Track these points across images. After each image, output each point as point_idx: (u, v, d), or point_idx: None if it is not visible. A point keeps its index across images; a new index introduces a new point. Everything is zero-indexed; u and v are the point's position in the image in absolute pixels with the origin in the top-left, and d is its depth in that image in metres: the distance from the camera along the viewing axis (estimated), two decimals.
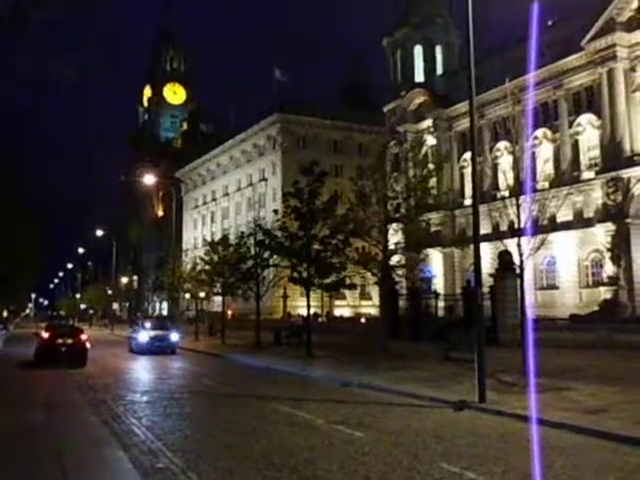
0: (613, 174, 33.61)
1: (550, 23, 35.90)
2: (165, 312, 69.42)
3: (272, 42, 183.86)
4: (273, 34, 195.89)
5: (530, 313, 12.48)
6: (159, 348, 20.99)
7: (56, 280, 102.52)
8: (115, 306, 72.94)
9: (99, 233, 54.24)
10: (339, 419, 8.32)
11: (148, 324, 23.73)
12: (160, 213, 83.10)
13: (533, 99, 30.68)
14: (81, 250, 66.74)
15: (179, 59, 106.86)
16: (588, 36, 35.04)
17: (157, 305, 79.70)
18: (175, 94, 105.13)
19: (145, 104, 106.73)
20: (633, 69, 33.74)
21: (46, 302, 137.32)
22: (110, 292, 67.50)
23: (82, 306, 78.77)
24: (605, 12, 33.98)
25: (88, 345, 17.39)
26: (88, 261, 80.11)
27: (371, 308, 48.29)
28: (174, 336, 22.31)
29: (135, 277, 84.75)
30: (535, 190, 11.40)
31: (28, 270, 30.42)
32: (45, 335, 17.01)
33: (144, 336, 21.83)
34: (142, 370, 16.44)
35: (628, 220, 32.70)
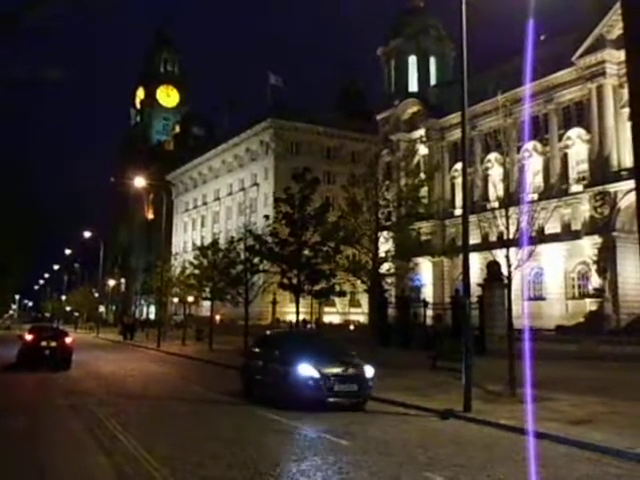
0: (600, 188, 34.20)
1: (542, 38, 36.59)
2: (152, 316, 68.73)
3: (267, 47, 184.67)
4: (269, 40, 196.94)
5: (517, 324, 12.58)
6: (345, 397, 9.77)
7: (41, 281, 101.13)
8: (101, 309, 72.04)
9: (87, 235, 53.69)
10: (326, 427, 8.28)
11: (307, 351, 10.24)
12: (150, 216, 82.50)
13: (524, 112, 31.14)
14: (68, 251, 66.00)
15: (173, 62, 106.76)
16: (578, 52, 35.78)
17: (144, 309, 78.88)
18: (168, 97, 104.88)
19: (137, 106, 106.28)
20: (622, 85, 34.46)
21: (31, 304, 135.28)
22: (97, 295, 66.70)
23: (68, 308, 77.68)
24: (595, 29, 34.74)
25: (73, 348, 17.13)
26: (75, 263, 79.19)
27: (360, 315, 48.27)
28: (369, 372, 10.09)
29: (123, 280, 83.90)
30: (525, 202, 11.54)
31: (12, 271, 29.92)
32: (28, 337, 16.69)
33: (309, 375, 9.64)
34: (127, 375, 16.23)
35: (614, 233, 33.23)
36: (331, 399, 9.50)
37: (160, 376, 16.12)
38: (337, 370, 9.67)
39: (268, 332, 14.65)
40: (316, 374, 9.45)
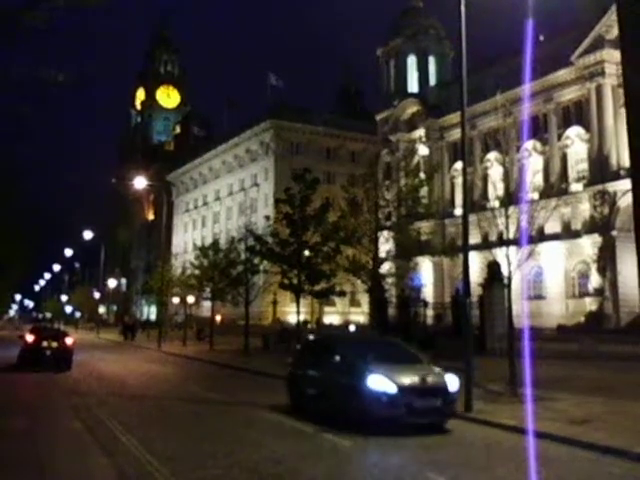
0: (600, 187, 34.21)
1: (541, 38, 36.60)
2: (153, 317, 68.75)
3: (267, 48, 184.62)
4: (269, 40, 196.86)
5: (518, 323, 12.58)
6: (426, 416, 8.08)
7: (42, 282, 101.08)
8: (102, 309, 72.03)
9: (87, 235, 53.68)
10: (327, 427, 8.29)
11: (374, 359, 8.64)
12: (150, 216, 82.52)
13: (524, 112, 31.17)
14: (68, 252, 65.94)
15: (173, 62, 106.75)
16: (577, 52, 35.79)
17: (145, 309, 78.90)
18: (168, 97, 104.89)
19: (138, 107, 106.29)
20: (621, 85, 34.41)
21: (31, 304, 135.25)
22: (97, 295, 66.71)
23: (68, 309, 77.69)
24: (594, 29, 34.74)
25: (73, 349, 17.13)
26: (75, 263, 79.18)
27: (360, 315, 48.26)
28: (452, 383, 8.28)
29: (123, 280, 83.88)
30: (524, 201, 11.55)
31: (13, 271, 29.91)
32: (29, 338, 16.70)
33: (382, 389, 7.86)
34: (128, 375, 16.23)
35: (614, 232, 33.23)
36: (411, 418, 7.65)
37: (161, 376, 16.12)
38: (414, 381, 7.82)
39: (311, 338, 11.40)
40: (392, 387, 7.60)
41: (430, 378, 8.05)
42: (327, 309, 48.88)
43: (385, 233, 20.05)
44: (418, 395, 7.72)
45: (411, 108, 48.21)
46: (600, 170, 34.56)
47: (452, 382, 8.12)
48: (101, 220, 78.73)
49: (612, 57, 33.99)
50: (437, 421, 8.04)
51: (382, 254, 19.76)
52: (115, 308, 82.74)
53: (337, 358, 8.66)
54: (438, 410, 7.92)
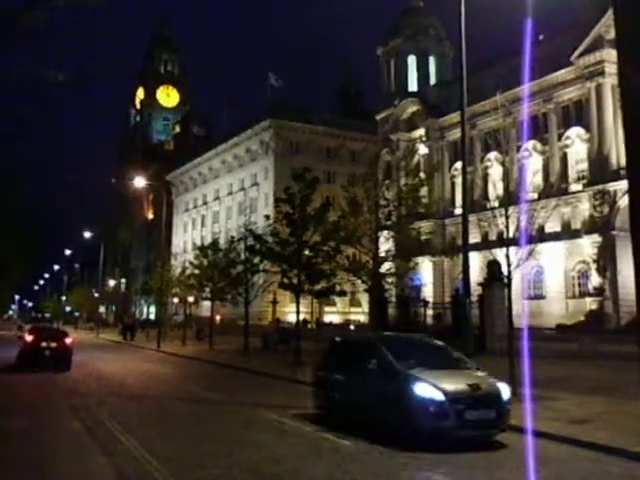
0: (600, 187, 34.20)
1: (541, 38, 36.58)
2: (153, 316, 68.75)
3: (268, 48, 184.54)
4: (269, 39, 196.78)
5: (518, 323, 12.58)
6: (479, 428, 7.23)
7: (41, 282, 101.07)
8: (102, 309, 72.01)
9: (87, 235, 53.68)
10: (327, 427, 8.28)
11: (417, 363, 7.72)
12: (150, 216, 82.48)
13: (524, 112, 31.15)
14: (68, 251, 65.96)
15: (173, 62, 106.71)
16: (577, 52, 35.77)
17: (145, 309, 78.90)
18: (168, 97, 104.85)
19: (137, 106, 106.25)
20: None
21: (30, 304, 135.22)
22: (97, 295, 66.69)
23: (67, 309, 77.67)
24: (594, 29, 34.72)
25: (72, 348, 17.12)
26: (75, 263, 79.15)
27: (361, 315, 48.26)
28: (505, 391, 7.53)
29: (123, 280, 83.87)
30: (524, 201, 11.54)
31: (12, 271, 29.88)
32: (29, 338, 16.69)
33: (429, 397, 7.02)
34: (127, 375, 16.22)
35: (614, 232, 33.23)
36: (462, 431, 6.84)
37: (161, 376, 16.11)
38: (464, 389, 7.00)
39: (337, 338, 10.02)
40: (439, 395, 6.80)
41: (482, 385, 7.18)
42: (327, 309, 48.88)
43: (385, 233, 20.05)
44: (470, 405, 6.86)
45: (411, 108, 48.20)
46: (600, 170, 34.57)
47: (504, 390, 7.37)
48: (101, 220, 78.82)
49: (612, 57, 33.94)
50: (491, 435, 7.18)
51: (382, 254, 19.75)
52: (114, 308, 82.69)
53: (373, 361, 7.77)
54: (492, 422, 7.04)
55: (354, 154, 54.83)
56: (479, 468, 6.22)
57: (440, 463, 6.35)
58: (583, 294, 35.42)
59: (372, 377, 7.66)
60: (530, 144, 37.35)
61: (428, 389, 6.87)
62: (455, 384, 7.07)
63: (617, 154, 34.05)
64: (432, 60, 50.84)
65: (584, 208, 35.44)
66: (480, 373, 7.77)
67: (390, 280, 21.65)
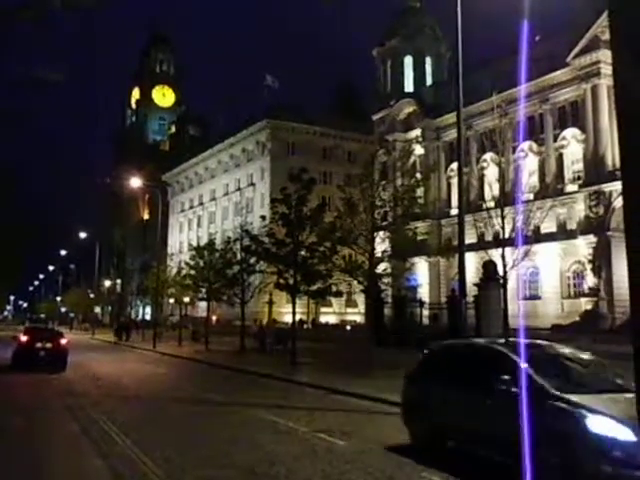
0: (595, 187, 34.37)
1: (537, 38, 36.72)
2: (148, 317, 68.52)
3: (264, 47, 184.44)
4: (265, 39, 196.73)
5: (513, 323, 12.61)
6: None
7: (36, 282, 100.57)
8: (97, 310, 71.66)
9: (82, 235, 53.47)
10: (322, 427, 8.26)
11: (574, 379, 6.00)
12: (145, 216, 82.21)
13: (520, 112, 31.25)
14: (63, 252, 65.66)
15: (169, 62, 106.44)
16: (573, 52, 35.93)
17: (140, 310, 78.63)
18: (164, 97, 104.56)
19: (133, 106, 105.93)
20: None
21: (25, 304, 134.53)
22: (92, 295, 66.39)
23: (63, 309, 77.27)
24: (590, 30, 34.90)
25: (68, 349, 17.03)
26: (70, 263, 78.83)
27: (357, 315, 48.31)
28: None
29: (118, 281, 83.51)
30: (520, 201, 11.58)
31: (7, 272, 29.71)
32: (23, 339, 16.59)
33: (612, 436, 4.89)
34: (123, 376, 16.15)
35: (609, 233, 33.40)
36: None
37: (157, 377, 16.05)
38: None
39: (437, 344, 7.93)
40: (627, 434, 4.80)
41: None
42: (323, 309, 48.88)
43: (381, 233, 20.03)
44: None
45: (407, 108, 48.29)
46: (596, 171, 34.74)
47: None
48: (96, 220, 78.49)
49: (608, 58, 34.07)
50: None
51: (378, 254, 19.75)
52: (110, 308, 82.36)
53: (504, 379, 5.64)
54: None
55: (350, 154, 54.85)
56: None
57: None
58: (578, 294, 35.57)
59: (505, 401, 5.50)
60: (526, 145, 37.47)
61: (609, 425, 4.89)
62: (631, 415, 4.30)
63: (612, 155, 34.22)
64: (428, 60, 50.96)
65: (580, 209, 35.61)
66: None
67: (386, 280, 21.67)
